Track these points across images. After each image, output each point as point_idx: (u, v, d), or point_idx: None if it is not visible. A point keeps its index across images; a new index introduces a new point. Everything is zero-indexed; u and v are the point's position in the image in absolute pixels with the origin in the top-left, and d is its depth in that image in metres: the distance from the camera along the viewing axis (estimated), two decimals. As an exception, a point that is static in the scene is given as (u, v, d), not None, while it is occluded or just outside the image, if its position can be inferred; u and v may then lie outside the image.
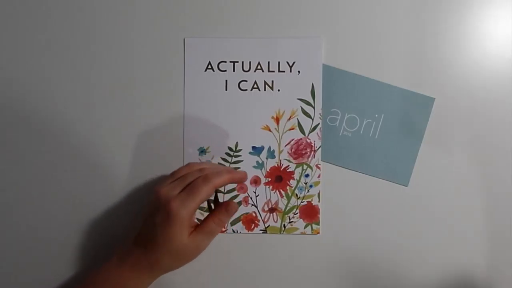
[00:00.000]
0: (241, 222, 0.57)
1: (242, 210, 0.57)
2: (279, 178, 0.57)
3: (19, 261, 0.56)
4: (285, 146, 0.56)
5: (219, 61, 0.56)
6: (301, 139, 0.56)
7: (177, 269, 0.50)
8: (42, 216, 0.56)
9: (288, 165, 0.56)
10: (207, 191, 0.48)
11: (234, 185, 0.56)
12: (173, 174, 0.51)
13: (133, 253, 0.49)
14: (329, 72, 0.56)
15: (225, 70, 0.56)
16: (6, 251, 0.56)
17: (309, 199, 0.56)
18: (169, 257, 0.49)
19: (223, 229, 0.56)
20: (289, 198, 0.56)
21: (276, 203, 0.57)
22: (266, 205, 0.57)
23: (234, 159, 0.57)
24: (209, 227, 0.50)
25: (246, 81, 0.56)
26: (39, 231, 0.56)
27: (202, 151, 0.56)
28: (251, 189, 0.57)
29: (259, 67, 0.56)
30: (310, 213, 0.56)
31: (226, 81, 0.56)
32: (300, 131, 0.56)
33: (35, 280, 0.56)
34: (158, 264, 0.49)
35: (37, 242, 0.56)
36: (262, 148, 0.56)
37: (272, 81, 0.56)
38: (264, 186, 0.57)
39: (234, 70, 0.56)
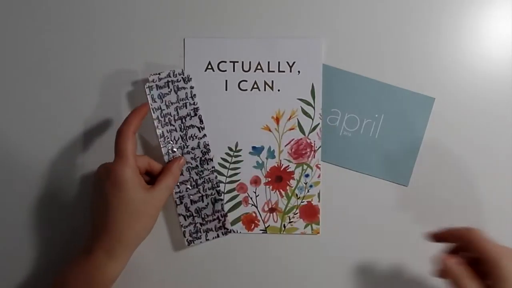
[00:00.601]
0: (241, 222, 0.57)
1: (242, 210, 0.57)
2: (279, 178, 0.57)
3: None
4: (285, 146, 0.56)
5: (219, 61, 0.56)
6: (301, 139, 0.56)
7: (146, 235, 0.50)
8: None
9: (288, 165, 0.57)
10: (129, 142, 0.49)
11: (234, 185, 0.56)
12: None
13: (97, 238, 0.48)
14: (329, 72, 0.56)
15: (225, 70, 0.56)
16: None
17: (309, 199, 0.56)
18: (130, 221, 0.48)
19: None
20: (289, 198, 0.56)
21: (276, 203, 0.57)
22: (266, 205, 0.57)
23: (234, 159, 0.57)
24: (164, 181, 0.51)
25: (246, 81, 0.56)
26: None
27: (202, 151, 0.57)
28: (251, 189, 0.57)
29: (259, 67, 0.56)
30: (310, 213, 0.56)
31: (226, 81, 0.56)
32: (300, 131, 0.56)
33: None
34: (124, 237, 0.48)
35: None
36: (262, 148, 0.56)
37: (272, 81, 0.56)
38: (264, 186, 0.57)
39: (234, 70, 0.56)
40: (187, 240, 0.56)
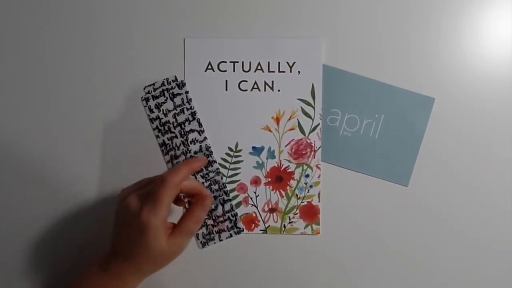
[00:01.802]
0: (241, 222, 0.57)
1: (242, 210, 0.57)
2: (279, 178, 0.57)
3: None
4: (285, 146, 0.56)
5: (219, 61, 0.56)
6: (301, 139, 0.56)
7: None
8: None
9: (288, 165, 0.57)
10: (168, 193, 0.47)
11: (234, 186, 0.56)
12: (140, 181, 0.51)
13: (114, 262, 0.48)
14: (329, 72, 0.56)
15: (225, 70, 0.56)
16: None
17: (309, 199, 0.56)
18: (150, 262, 0.48)
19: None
20: (289, 198, 0.56)
21: (276, 203, 0.57)
22: (266, 205, 0.57)
23: (234, 159, 0.57)
24: (187, 227, 0.49)
25: (246, 81, 0.56)
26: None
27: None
28: (251, 189, 0.57)
29: (259, 67, 0.56)
30: (310, 213, 0.56)
31: (226, 81, 0.56)
32: (300, 131, 0.56)
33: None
34: (140, 271, 0.49)
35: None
36: (262, 148, 0.56)
37: (272, 81, 0.56)
38: (264, 186, 0.57)
39: (234, 70, 0.56)
40: (200, 242, 0.56)
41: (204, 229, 0.56)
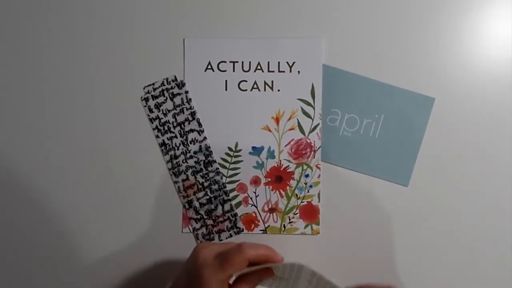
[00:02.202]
0: (241, 222, 0.57)
1: (242, 210, 0.57)
2: (279, 178, 0.57)
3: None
4: (285, 146, 0.56)
5: (219, 61, 0.56)
6: (301, 139, 0.56)
7: None
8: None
9: (288, 165, 0.56)
10: (239, 262, 0.45)
11: (234, 186, 0.56)
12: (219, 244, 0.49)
13: None
14: (329, 72, 0.56)
15: (225, 70, 0.56)
16: None
17: (309, 199, 0.56)
18: None
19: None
20: (289, 198, 0.56)
21: (276, 203, 0.57)
22: (266, 205, 0.57)
23: (234, 159, 0.57)
24: None
25: (246, 81, 0.56)
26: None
27: (202, 151, 0.57)
28: (251, 189, 0.57)
29: (259, 67, 0.56)
30: (310, 213, 0.56)
31: (226, 81, 0.56)
32: (300, 131, 0.56)
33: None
34: None
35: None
36: (262, 148, 0.56)
37: (272, 81, 0.56)
38: (264, 186, 0.57)
39: (234, 70, 0.56)
40: (200, 242, 0.56)
41: (204, 229, 0.56)
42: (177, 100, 0.56)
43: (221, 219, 0.56)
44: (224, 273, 0.45)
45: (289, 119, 0.56)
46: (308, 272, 0.45)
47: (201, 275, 0.45)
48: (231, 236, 0.56)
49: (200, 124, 0.56)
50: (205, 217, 0.56)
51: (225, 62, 0.56)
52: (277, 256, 0.49)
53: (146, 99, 0.56)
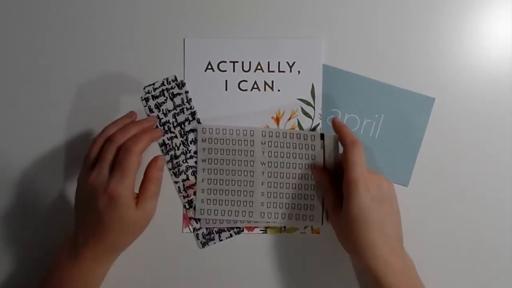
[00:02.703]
0: (241, 222, 0.57)
1: (242, 210, 0.57)
2: (279, 178, 0.57)
3: None
4: (285, 146, 0.56)
5: (219, 61, 0.56)
6: (301, 139, 0.56)
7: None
8: None
9: (288, 165, 0.57)
10: (136, 162, 0.47)
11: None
12: (87, 158, 0.50)
13: (85, 245, 0.48)
14: (329, 72, 0.56)
15: (225, 70, 0.56)
16: None
17: (309, 199, 0.56)
18: (124, 234, 0.49)
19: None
20: (289, 198, 0.56)
21: (276, 203, 0.57)
22: (266, 205, 0.57)
23: (234, 159, 0.57)
24: (150, 191, 0.50)
25: (246, 81, 0.56)
26: None
27: (202, 151, 0.57)
28: (251, 189, 0.57)
29: (259, 67, 0.56)
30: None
31: (226, 81, 0.56)
32: (300, 131, 0.56)
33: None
34: (114, 246, 0.49)
35: None
36: (262, 148, 0.57)
37: (272, 81, 0.56)
38: (264, 186, 0.57)
39: (234, 70, 0.56)
40: (200, 242, 0.56)
41: (204, 229, 0.56)
42: (177, 100, 0.56)
43: None
44: (128, 179, 0.47)
45: (289, 119, 0.56)
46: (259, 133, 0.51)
47: (110, 193, 0.46)
48: (231, 236, 0.56)
49: (200, 124, 0.56)
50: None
51: (225, 62, 0.56)
52: (157, 133, 0.52)
53: (146, 99, 0.56)
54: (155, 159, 0.51)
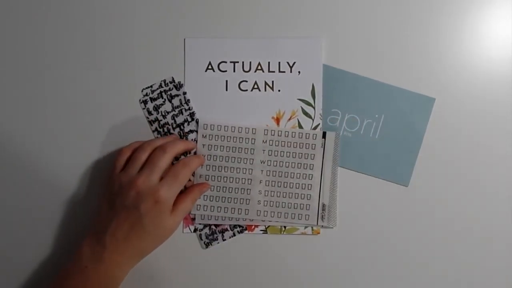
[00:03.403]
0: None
1: (242, 210, 0.57)
2: (279, 178, 0.57)
3: None
4: (286, 146, 0.56)
5: (220, 61, 0.56)
6: (301, 139, 0.56)
7: None
8: None
9: (289, 165, 0.57)
10: (187, 176, 0.51)
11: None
12: (133, 161, 0.50)
13: (114, 249, 0.49)
14: (329, 72, 0.56)
15: (226, 71, 0.56)
16: None
17: (310, 199, 0.56)
18: (155, 240, 0.51)
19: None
20: (289, 198, 0.56)
21: (277, 203, 0.57)
22: (266, 205, 0.57)
23: (234, 159, 0.57)
24: (186, 205, 0.52)
25: (246, 81, 0.56)
26: None
27: (203, 152, 0.57)
28: (251, 189, 0.57)
29: (259, 67, 0.56)
30: (310, 213, 0.56)
31: (227, 81, 0.56)
32: (301, 131, 0.56)
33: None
34: (143, 251, 0.51)
35: None
36: (263, 148, 0.57)
37: (273, 82, 0.56)
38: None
39: (234, 71, 0.56)
40: (204, 242, 0.56)
41: (207, 230, 0.56)
42: (176, 102, 0.56)
43: None
44: (177, 188, 0.51)
45: (289, 119, 0.56)
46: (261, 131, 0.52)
47: (158, 197, 0.49)
48: (234, 235, 0.56)
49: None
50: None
51: (225, 62, 0.56)
52: (191, 144, 0.55)
53: (145, 102, 0.56)
54: (203, 183, 0.55)
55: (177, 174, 0.50)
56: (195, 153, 0.56)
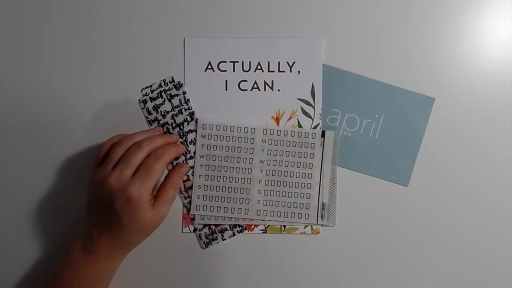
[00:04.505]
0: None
1: (242, 210, 0.57)
2: (279, 178, 0.57)
3: None
4: (285, 146, 0.56)
5: (219, 61, 0.56)
6: (301, 139, 0.56)
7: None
8: None
9: (288, 165, 0.57)
10: (160, 169, 0.50)
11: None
12: (109, 157, 0.50)
13: (100, 242, 0.50)
14: (329, 72, 0.56)
15: (225, 70, 0.56)
16: None
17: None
18: (138, 234, 0.51)
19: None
20: (289, 198, 0.56)
21: (276, 203, 0.57)
22: (266, 205, 0.57)
23: (234, 159, 0.57)
24: (168, 194, 0.52)
25: (246, 81, 0.56)
26: None
27: (202, 151, 0.57)
28: (251, 189, 0.57)
29: (259, 67, 0.56)
30: (310, 213, 0.56)
31: (226, 81, 0.56)
32: (300, 131, 0.56)
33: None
34: (128, 244, 0.51)
35: None
36: (262, 148, 0.56)
37: (272, 81, 0.56)
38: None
39: (234, 70, 0.56)
40: (204, 242, 0.56)
41: (206, 229, 0.56)
42: (175, 101, 0.56)
43: None
44: (149, 183, 0.49)
45: (289, 119, 0.56)
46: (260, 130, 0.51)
47: (130, 195, 0.48)
48: (234, 235, 0.56)
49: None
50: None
51: (225, 62, 0.56)
52: (182, 148, 0.54)
53: (144, 101, 0.56)
54: (179, 165, 0.54)
55: (148, 169, 0.49)
56: (190, 156, 0.56)
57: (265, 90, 0.56)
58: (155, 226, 0.51)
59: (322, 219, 0.55)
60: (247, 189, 0.55)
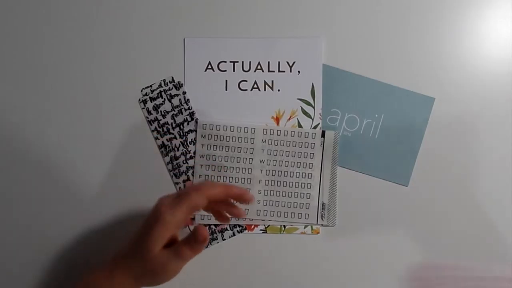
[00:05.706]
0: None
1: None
2: (279, 178, 0.57)
3: None
4: (285, 146, 0.57)
5: (219, 61, 0.56)
6: (301, 139, 0.56)
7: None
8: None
9: (288, 165, 0.57)
10: (196, 199, 0.45)
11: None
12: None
13: (121, 261, 0.47)
14: (329, 72, 0.56)
15: (225, 70, 0.56)
16: None
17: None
18: (142, 265, 0.46)
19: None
20: (289, 198, 0.56)
21: (276, 203, 0.57)
22: (266, 205, 0.57)
23: (234, 159, 0.57)
24: (181, 252, 0.46)
25: (246, 81, 0.56)
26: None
27: (202, 151, 0.57)
28: (251, 189, 0.57)
29: (259, 67, 0.56)
30: (310, 213, 0.56)
31: (226, 81, 0.56)
32: (300, 131, 0.56)
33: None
34: (137, 279, 0.47)
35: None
36: (262, 148, 0.57)
37: (272, 81, 0.56)
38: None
39: (234, 70, 0.56)
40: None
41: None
42: (175, 101, 0.56)
43: None
44: (179, 206, 0.44)
45: (289, 119, 0.56)
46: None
47: (157, 210, 0.45)
48: (234, 235, 0.56)
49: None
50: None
51: (225, 62, 0.56)
52: (238, 190, 0.47)
53: (144, 101, 0.56)
54: (196, 227, 0.47)
55: (183, 194, 0.46)
56: (190, 156, 0.56)
57: (265, 90, 0.56)
58: (155, 271, 0.47)
59: (322, 219, 0.55)
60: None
